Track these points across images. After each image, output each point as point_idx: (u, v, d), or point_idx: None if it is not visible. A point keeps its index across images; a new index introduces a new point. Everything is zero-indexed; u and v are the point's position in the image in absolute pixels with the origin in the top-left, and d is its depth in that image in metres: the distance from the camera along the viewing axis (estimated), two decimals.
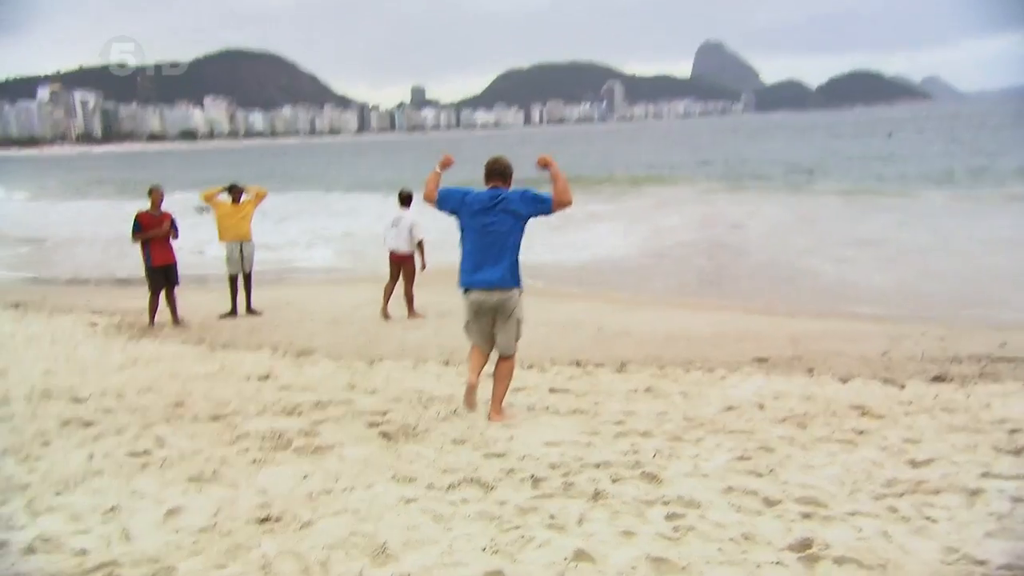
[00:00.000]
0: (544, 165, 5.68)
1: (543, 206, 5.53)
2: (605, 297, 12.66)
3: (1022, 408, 5.68)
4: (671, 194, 32.34)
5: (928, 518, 3.58)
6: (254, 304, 11.77)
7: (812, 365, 7.42)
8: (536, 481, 4.13)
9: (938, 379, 6.74)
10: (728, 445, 4.71)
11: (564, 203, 5.51)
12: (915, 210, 22.75)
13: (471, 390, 5.59)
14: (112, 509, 3.94)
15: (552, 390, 6.49)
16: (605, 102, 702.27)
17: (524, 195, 5.57)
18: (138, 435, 5.36)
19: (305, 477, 4.30)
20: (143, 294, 11.08)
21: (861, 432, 5.00)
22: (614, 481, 4.12)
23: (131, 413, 6.01)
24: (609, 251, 18.20)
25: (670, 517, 3.62)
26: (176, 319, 10.96)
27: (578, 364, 7.59)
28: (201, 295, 13.24)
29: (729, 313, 10.93)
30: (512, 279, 5.54)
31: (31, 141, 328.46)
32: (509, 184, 5.70)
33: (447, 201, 5.68)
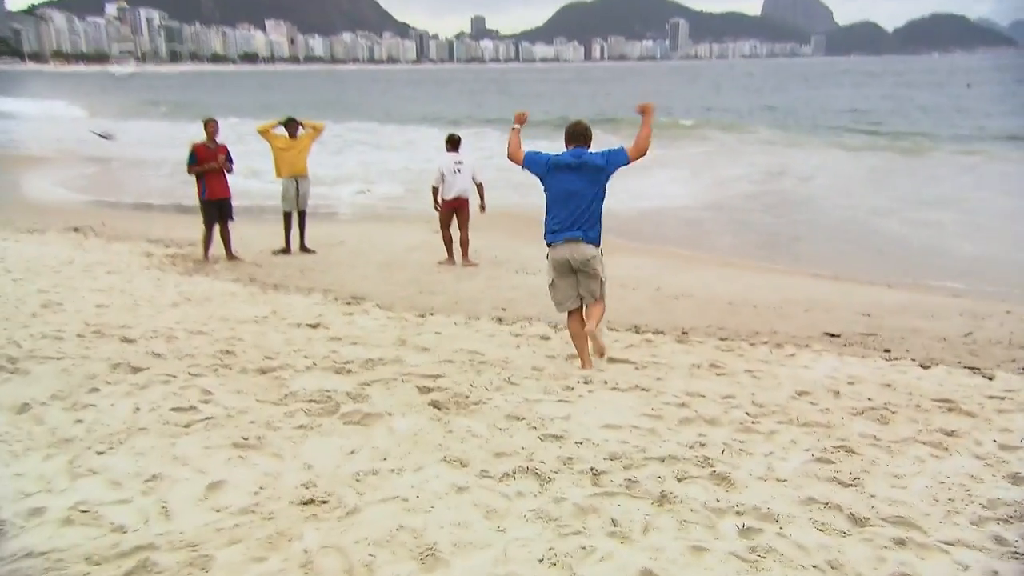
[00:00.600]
0: (642, 112, 5.89)
1: (621, 156, 5.75)
2: (664, 253, 12.15)
3: None
4: (734, 142, 31.31)
5: None
6: (308, 241, 11.60)
7: (888, 345, 6.95)
8: (596, 475, 3.81)
9: None
10: (805, 442, 4.34)
11: (642, 152, 5.71)
12: (992, 169, 21.58)
13: (585, 365, 5.95)
14: (154, 477, 3.76)
15: (611, 360, 6.15)
16: (669, 39, 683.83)
17: (605, 154, 5.77)
18: (185, 386, 5.18)
19: (352, 452, 4.07)
20: (200, 225, 10.95)
21: (951, 433, 4.57)
22: (680, 480, 3.79)
23: (180, 359, 5.85)
24: (668, 201, 17.53)
25: (745, 532, 3.28)
26: (230, 253, 10.84)
27: (637, 330, 7.21)
28: (256, 227, 13.12)
29: (797, 278, 10.37)
30: (596, 238, 5.79)
31: (97, 57, 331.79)
32: (589, 145, 5.87)
33: (534, 164, 5.90)
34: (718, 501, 3.57)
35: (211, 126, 10.73)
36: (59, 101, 58.25)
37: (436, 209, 10.87)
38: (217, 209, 10.68)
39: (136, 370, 5.53)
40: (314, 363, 5.79)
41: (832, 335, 7.23)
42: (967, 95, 58.48)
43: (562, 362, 6.09)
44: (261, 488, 3.66)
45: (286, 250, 11.39)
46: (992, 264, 11.18)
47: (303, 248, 11.50)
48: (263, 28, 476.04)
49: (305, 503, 3.51)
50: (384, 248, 12.00)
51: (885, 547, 3.21)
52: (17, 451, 4.16)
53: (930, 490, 3.79)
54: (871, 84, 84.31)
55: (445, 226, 10.92)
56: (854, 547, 3.21)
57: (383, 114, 50.25)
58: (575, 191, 5.71)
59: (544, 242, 5.95)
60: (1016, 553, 3.19)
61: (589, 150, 5.82)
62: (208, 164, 10.45)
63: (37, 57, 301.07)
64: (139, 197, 18.80)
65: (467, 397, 5.01)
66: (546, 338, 6.87)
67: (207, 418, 4.59)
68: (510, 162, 6.03)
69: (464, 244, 10.95)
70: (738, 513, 3.45)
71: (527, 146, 6.10)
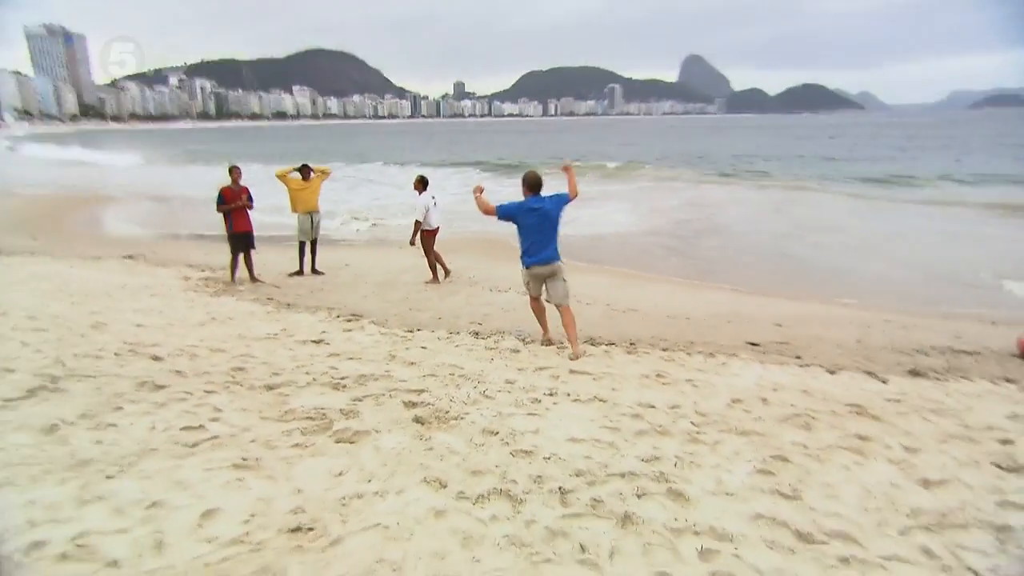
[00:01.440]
0: (565, 170, 6.50)
1: (564, 199, 6.27)
2: (613, 272, 11.57)
3: (1000, 412, 4.76)
4: (663, 179, 30.89)
5: (971, 570, 2.68)
6: (319, 265, 10.93)
7: (799, 352, 6.43)
8: (564, 494, 3.24)
9: (914, 373, 5.79)
10: (746, 453, 3.79)
11: (575, 195, 6.30)
12: (861, 204, 21.30)
13: (546, 332, 6.69)
14: (154, 505, 3.13)
15: (572, 372, 5.57)
16: (607, 100, 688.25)
17: (553, 198, 6.25)
18: (199, 404, 4.54)
19: (340, 474, 3.45)
20: (228, 253, 10.21)
21: (864, 438, 4.07)
22: (640, 496, 3.23)
23: (198, 376, 5.19)
24: (615, 227, 16.95)
25: (704, 555, 2.74)
26: (253, 277, 10.12)
27: (593, 343, 6.63)
28: (276, 253, 12.37)
29: (721, 293, 9.81)
30: (557, 255, 6.28)
31: (163, 117, 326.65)
32: (541, 191, 6.30)
33: (508, 213, 6.26)
34: (675, 520, 3.02)
35: (235, 172, 10.09)
36: (128, 153, 56.55)
37: (412, 242, 10.15)
38: (242, 241, 9.99)
39: (158, 387, 4.87)
40: (314, 379, 5.15)
41: (753, 344, 6.70)
42: (831, 144, 58.78)
43: (531, 374, 5.50)
44: (252, 516, 3.04)
45: (300, 272, 10.70)
46: (874, 279, 10.79)
47: (314, 271, 10.81)
48: (291, 92, 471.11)
49: (292, 531, 2.91)
50: (381, 270, 11.33)
51: (832, 566, 2.69)
52: (36, 475, 3.50)
53: (860, 500, 3.27)
54: (761, 136, 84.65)
55: (430, 251, 10.29)
56: (804, 566, 2.68)
57: (385, 157, 49.13)
58: (539, 226, 6.17)
59: (521, 262, 6.34)
60: (946, 567, 2.68)
61: (542, 194, 6.26)
62: (233, 203, 9.79)
63: (117, 118, 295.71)
64: (184, 228, 17.87)
65: (447, 412, 4.40)
66: (516, 351, 6.26)
67: (213, 437, 3.96)
68: (487, 216, 6.36)
69: (443, 263, 10.42)
70: (695, 533, 2.91)
71: (491, 195, 6.56)
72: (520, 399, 4.74)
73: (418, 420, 4.23)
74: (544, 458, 3.66)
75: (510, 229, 6.37)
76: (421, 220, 9.98)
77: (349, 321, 7.48)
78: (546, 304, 6.53)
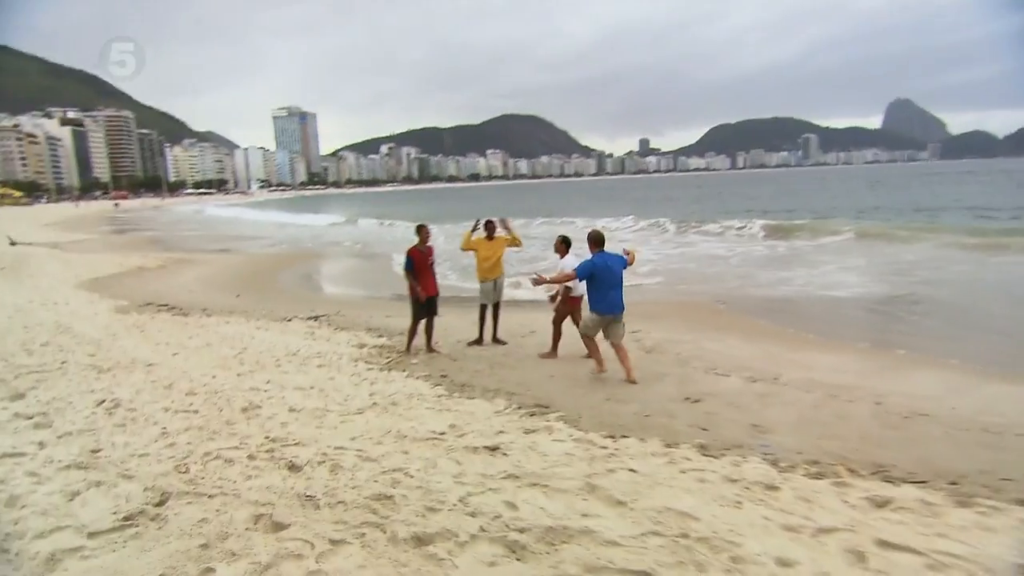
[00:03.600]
0: (626, 254, 7.38)
1: (624, 261, 7.22)
2: (861, 350, 8.92)
3: None
4: (889, 236, 26.47)
5: None
6: (500, 332, 9.56)
7: None
8: None
9: None
10: None
11: (630, 264, 7.31)
12: None
13: (600, 365, 7.37)
14: None
15: (882, 543, 3.38)
16: (801, 150, 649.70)
17: (617, 257, 7.22)
18: (314, 572, 3.09)
19: None
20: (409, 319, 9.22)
21: None
22: None
23: (331, 508, 3.84)
24: (849, 291, 13.98)
25: None
26: (430, 346, 9.00)
27: (887, 477, 4.33)
28: (457, 317, 11.29)
29: None
30: (622, 306, 7.18)
31: (373, 182, 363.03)
32: (603, 247, 7.22)
33: (586, 271, 7.12)
34: None
35: (424, 231, 9.11)
36: (333, 215, 61.78)
37: (553, 299, 8.87)
38: (427, 306, 8.94)
39: (275, 527, 3.54)
40: (482, 528, 3.53)
41: None
42: None
43: (810, 540, 3.43)
44: None
45: (479, 342, 9.39)
46: None
47: (495, 339, 9.45)
48: (484, 155, 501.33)
49: None
50: (572, 338, 9.71)
51: None
52: None
53: None
54: (996, 183, 72.69)
55: (562, 320, 8.60)
56: None
57: (574, 213, 48.20)
58: (613, 282, 7.09)
59: (594, 311, 7.19)
60: None
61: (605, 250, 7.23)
62: (421, 269, 8.87)
63: (336, 184, 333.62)
64: (374, 289, 17.74)
65: None
66: (772, 488, 4.18)
67: None
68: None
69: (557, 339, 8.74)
70: None
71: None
72: None
73: None
74: None
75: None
76: (572, 286, 8.29)
77: (533, 415, 5.86)
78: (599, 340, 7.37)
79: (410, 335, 9.06)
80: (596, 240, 7.19)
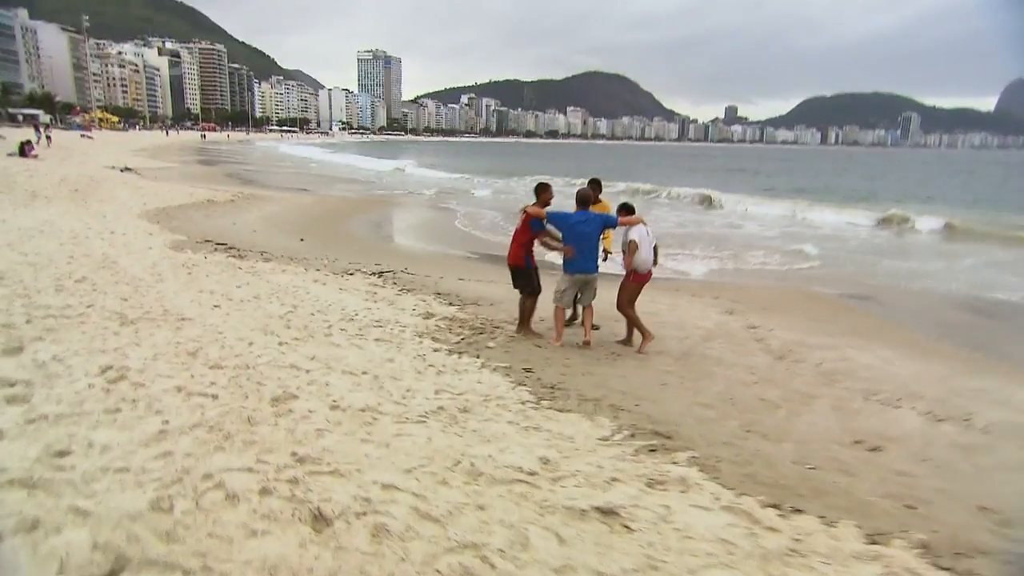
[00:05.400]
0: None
1: (612, 220, 6.94)
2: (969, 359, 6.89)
3: None
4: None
5: None
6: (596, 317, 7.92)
7: None
8: None
9: None
10: None
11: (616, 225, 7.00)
12: None
13: (560, 337, 7.06)
14: None
15: None
16: (900, 129, 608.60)
17: (600, 216, 6.95)
18: None
19: None
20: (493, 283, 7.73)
21: None
22: None
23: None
24: (1013, 292, 11.61)
25: None
26: (528, 324, 7.40)
27: None
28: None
29: None
30: (596, 267, 6.97)
31: (451, 131, 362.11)
32: (588, 207, 6.97)
33: (557, 220, 6.92)
34: None
35: (546, 193, 7.09)
36: (409, 160, 60.81)
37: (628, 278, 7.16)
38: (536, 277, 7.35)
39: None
40: None
41: None
42: None
43: None
44: None
45: (571, 321, 7.79)
46: None
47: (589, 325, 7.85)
48: (565, 112, 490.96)
49: None
50: (675, 327, 8.02)
51: None
52: None
53: None
54: None
55: (630, 303, 7.06)
56: None
57: (661, 179, 45.13)
58: (589, 244, 6.84)
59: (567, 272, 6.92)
60: None
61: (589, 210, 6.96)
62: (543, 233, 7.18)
63: (414, 131, 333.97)
64: (447, 244, 16.35)
65: None
66: None
67: None
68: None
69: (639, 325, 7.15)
70: None
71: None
72: None
73: None
74: None
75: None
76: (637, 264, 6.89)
77: (653, 451, 4.26)
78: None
79: (528, 312, 7.41)
80: (582, 199, 6.97)
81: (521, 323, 7.39)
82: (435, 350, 6.44)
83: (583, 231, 6.76)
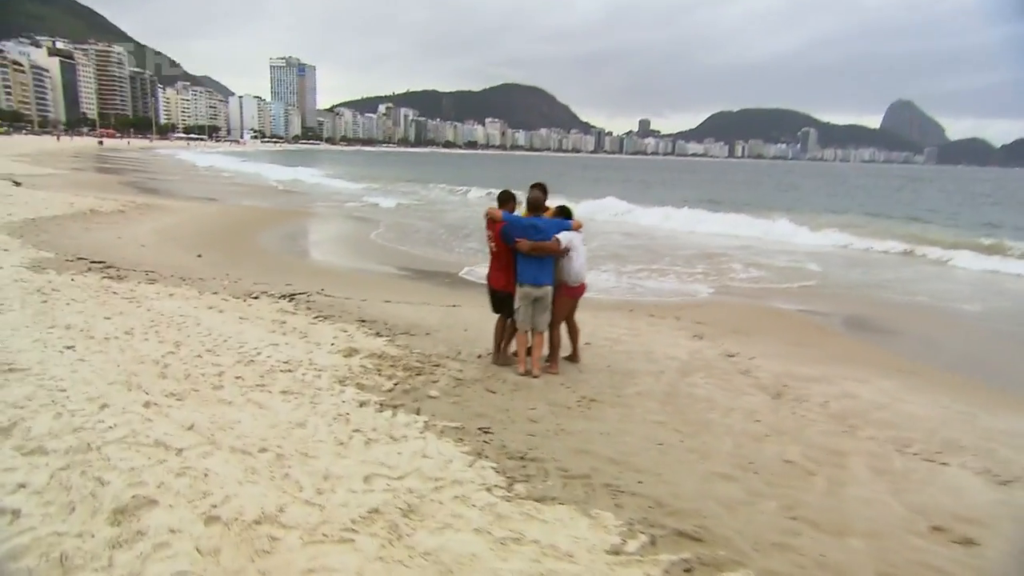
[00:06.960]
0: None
1: (566, 229, 6.03)
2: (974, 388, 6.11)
3: None
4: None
5: None
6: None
7: None
8: None
9: None
10: None
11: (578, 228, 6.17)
12: None
13: (523, 363, 6.07)
14: None
15: None
16: (799, 144, 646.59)
17: (555, 223, 6.09)
18: None
19: None
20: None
21: None
22: None
23: None
24: (972, 303, 11.16)
25: None
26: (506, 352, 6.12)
27: None
28: (472, 311, 8.34)
29: None
30: (549, 279, 5.96)
31: (369, 141, 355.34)
32: (540, 212, 6.27)
33: (512, 229, 5.94)
34: None
35: (511, 203, 6.30)
36: (313, 168, 58.09)
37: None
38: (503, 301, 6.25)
39: None
40: None
41: None
42: None
43: None
44: None
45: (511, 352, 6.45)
46: None
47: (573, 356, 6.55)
48: (483, 123, 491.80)
49: None
50: (643, 357, 6.79)
51: None
52: None
53: None
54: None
55: (562, 319, 6.33)
56: None
57: (580, 192, 44.43)
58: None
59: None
60: None
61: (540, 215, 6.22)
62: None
63: (331, 140, 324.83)
64: (368, 260, 14.65)
65: None
66: None
67: None
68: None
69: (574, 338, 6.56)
70: None
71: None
72: None
73: None
74: None
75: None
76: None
77: (690, 574, 2.94)
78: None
79: (501, 337, 6.42)
80: (532, 205, 6.31)
81: (498, 350, 6.33)
82: (361, 404, 4.92)
83: (536, 239, 5.89)
